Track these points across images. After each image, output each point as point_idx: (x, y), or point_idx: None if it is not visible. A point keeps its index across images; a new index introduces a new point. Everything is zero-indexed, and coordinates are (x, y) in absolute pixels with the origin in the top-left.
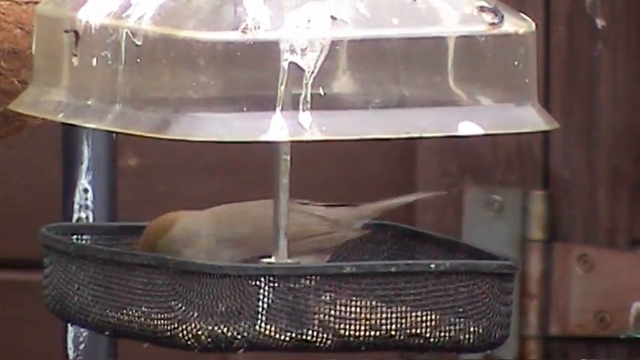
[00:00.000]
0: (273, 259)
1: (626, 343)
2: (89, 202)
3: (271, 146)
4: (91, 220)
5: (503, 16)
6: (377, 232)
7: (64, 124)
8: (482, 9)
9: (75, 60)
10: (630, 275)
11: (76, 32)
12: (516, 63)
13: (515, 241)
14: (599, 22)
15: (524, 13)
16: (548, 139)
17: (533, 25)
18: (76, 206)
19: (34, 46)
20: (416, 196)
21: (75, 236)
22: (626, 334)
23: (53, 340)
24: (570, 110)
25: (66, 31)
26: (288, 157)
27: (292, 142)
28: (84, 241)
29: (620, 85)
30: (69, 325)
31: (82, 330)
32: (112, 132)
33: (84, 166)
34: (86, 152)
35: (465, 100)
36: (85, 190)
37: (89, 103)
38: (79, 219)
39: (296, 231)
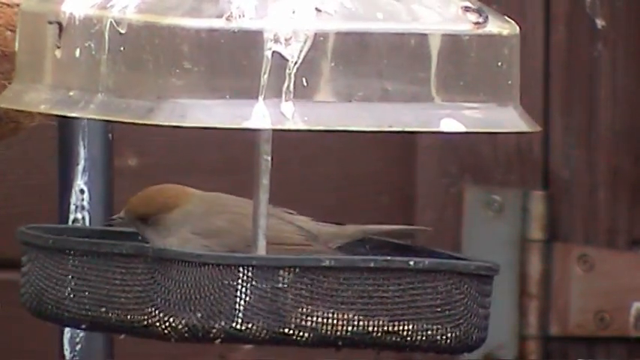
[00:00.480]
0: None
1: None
2: (85, 203)
3: (256, 146)
4: (87, 221)
5: (487, 17)
6: (355, 246)
7: (59, 124)
8: (466, 9)
9: (58, 52)
10: (630, 275)
11: (59, 24)
12: (500, 64)
13: (515, 241)
14: (599, 22)
15: (525, 13)
16: (548, 139)
17: (517, 27)
18: (72, 207)
19: (17, 43)
20: (405, 227)
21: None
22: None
23: (51, 341)
24: (570, 110)
25: (50, 22)
26: (269, 158)
27: (275, 132)
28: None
29: (619, 85)
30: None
31: (78, 330)
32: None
33: (80, 167)
34: (82, 153)
35: (447, 98)
36: (82, 191)
37: (71, 94)
38: (75, 220)
39: (270, 235)
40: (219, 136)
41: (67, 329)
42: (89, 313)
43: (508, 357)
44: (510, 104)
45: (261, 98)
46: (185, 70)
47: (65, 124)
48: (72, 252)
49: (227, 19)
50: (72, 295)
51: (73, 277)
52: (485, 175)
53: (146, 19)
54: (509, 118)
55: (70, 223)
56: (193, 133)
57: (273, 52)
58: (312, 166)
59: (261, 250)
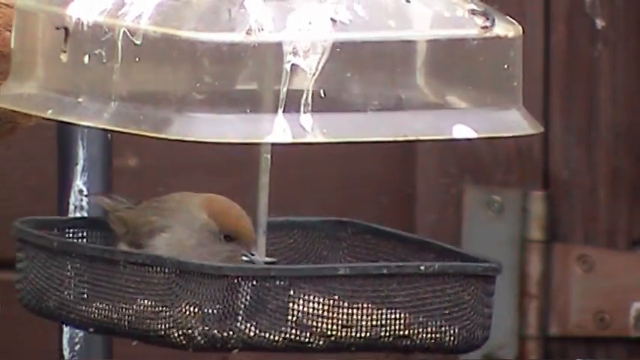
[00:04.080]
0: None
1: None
2: (84, 203)
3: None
4: None
5: (494, 20)
6: (337, 229)
7: (58, 125)
8: (473, 12)
9: (64, 56)
10: (630, 275)
11: (66, 29)
12: (506, 66)
13: (515, 241)
14: (599, 22)
15: (524, 13)
16: (548, 140)
17: (521, 28)
18: (72, 207)
19: (12, 41)
20: None
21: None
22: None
23: (51, 341)
24: (570, 110)
25: (57, 28)
26: (269, 156)
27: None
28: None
29: (619, 85)
30: (63, 325)
31: (77, 330)
32: (108, 131)
33: (79, 167)
34: (81, 153)
35: (457, 103)
36: (80, 191)
37: (80, 100)
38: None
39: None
40: None
41: (66, 329)
42: (98, 317)
43: (508, 357)
44: (514, 106)
45: (280, 111)
46: (206, 84)
47: (64, 125)
48: (79, 256)
49: (247, 32)
50: (78, 298)
51: (80, 280)
52: (485, 175)
53: (164, 31)
54: (514, 121)
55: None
56: None
57: (292, 64)
58: (312, 167)
59: (261, 249)
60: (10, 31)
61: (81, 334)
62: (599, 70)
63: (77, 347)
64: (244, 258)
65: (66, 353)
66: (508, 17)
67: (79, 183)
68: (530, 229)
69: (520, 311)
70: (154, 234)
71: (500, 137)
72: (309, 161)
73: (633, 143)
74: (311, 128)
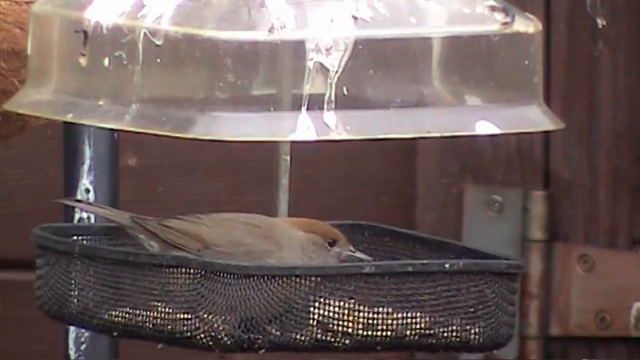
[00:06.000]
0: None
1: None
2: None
3: (271, 146)
4: (92, 220)
5: (514, 16)
6: (353, 232)
7: (65, 124)
8: (493, 8)
9: (83, 60)
10: (630, 275)
11: (85, 32)
12: (527, 62)
13: (516, 241)
14: (600, 22)
15: (525, 13)
16: (549, 140)
17: (540, 24)
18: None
19: (29, 46)
20: None
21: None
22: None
23: (54, 341)
24: (570, 110)
25: (76, 32)
26: (288, 157)
27: (317, 141)
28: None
29: (620, 84)
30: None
31: (83, 330)
32: (118, 131)
33: (85, 166)
34: (87, 152)
35: (479, 100)
36: (87, 190)
37: (100, 103)
38: (80, 219)
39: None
40: None
41: (71, 329)
42: (122, 321)
43: (508, 357)
44: (535, 102)
45: (304, 109)
46: (229, 83)
47: (70, 124)
48: (102, 260)
49: (269, 31)
50: (101, 303)
51: (101, 284)
52: (486, 175)
53: (185, 32)
54: (536, 117)
55: (75, 222)
56: None
57: (315, 62)
58: (312, 166)
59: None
60: (19, 28)
61: (87, 333)
62: (600, 69)
63: (83, 347)
64: (351, 254)
65: (72, 353)
66: (527, 13)
67: (85, 182)
68: (530, 229)
69: (521, 311)
70: (262, 257)
71: (523, 133)
72: (309, 161)
73: (634, 143)
74: (335, 126)
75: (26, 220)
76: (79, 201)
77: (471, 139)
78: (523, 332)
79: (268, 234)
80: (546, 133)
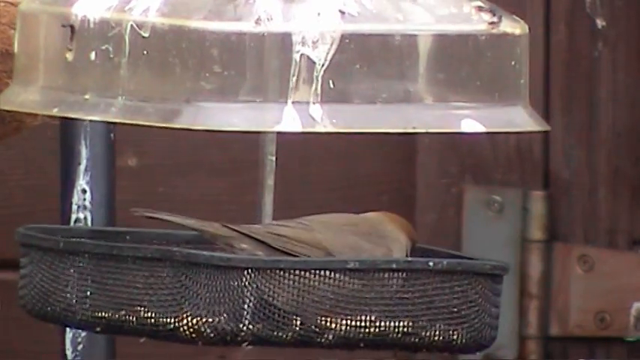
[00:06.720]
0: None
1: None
2: (87, 203)
3: (260, 146)
4: (89, 220)
5: (501, 17)
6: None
7: (61, 124)
8: (480, 8)
9: (69, 55)
10: (630, 275)
11: (72, 27)
12: (513, 63)
13: (516, 241)
14: (599, 22)
15: (524, 13)
16: (549, 140)
17: (527, 26)
18: (75, 207)
19: (16, 44)
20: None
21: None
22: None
23: (52, 341)
24: (570, 110)
25: (63, 26)
26: (274, 158)
27: (303, 134)
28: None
29: (620, 84)
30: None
31: (80, 330)
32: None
33: (82, 167)
34: (84, 152)
35: (465, 98)
36: (84, 191)
37: (87, 97)
38: (77, 220)
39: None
40: (220, 136)
41: (68, 329)
42: (105, 315)
43: (508, 357)
44: (520, 103)
45: (290, 101)
46: (215, 74)
47: (67, 124)
48: (86, 255)
49: (256, 22)
50: (84, 298)
51: (86, 280)
52: (486, 175)
53: (172, 23)
54: (521, 118)
55: (72, 222)
56: (194, 132)
57: (301, 54)
58: (312, 166)
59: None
60: (15, 29)
61: (84, 334)
62: (600, 69)
63: (80, 347)
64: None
65: (69, 353)
66: (513, 15)
67: (81, 182)
68: (530, 229)
69: (520, 311)
70: None
71: (507, 132)
72: (310, 160)
73: (633, 143)
74: (320, 118)
75: (25, 220)
76: (156, 214)
77: (471, 139)
78: (523, 332)
79: (380, 241)
80: (546, 133)
